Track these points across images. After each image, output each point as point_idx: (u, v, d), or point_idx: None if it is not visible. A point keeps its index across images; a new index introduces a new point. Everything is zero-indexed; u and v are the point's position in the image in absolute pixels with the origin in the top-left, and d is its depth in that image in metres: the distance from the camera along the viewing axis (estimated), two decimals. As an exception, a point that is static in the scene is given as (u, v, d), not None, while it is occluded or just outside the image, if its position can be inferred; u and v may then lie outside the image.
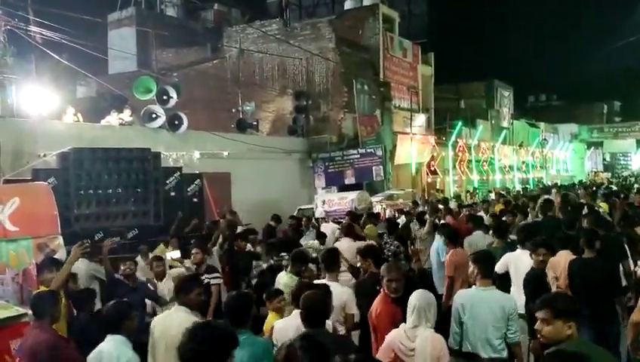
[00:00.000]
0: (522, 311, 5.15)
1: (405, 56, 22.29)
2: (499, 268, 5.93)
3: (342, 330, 4.42)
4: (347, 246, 6.97)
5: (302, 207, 13.76)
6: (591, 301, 5.08)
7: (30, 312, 4.50)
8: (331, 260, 4.98)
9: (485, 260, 4.73)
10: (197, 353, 2.46)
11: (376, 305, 4.28)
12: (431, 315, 3.77)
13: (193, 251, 6.73)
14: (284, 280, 5.44)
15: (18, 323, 4.94)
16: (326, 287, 4.19)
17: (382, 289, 4.33)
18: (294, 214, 12.60)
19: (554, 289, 5.46)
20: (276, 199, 14.13)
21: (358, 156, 16.66)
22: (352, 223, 8.56)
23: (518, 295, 5.41)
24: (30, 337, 4.16)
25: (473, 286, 4.69)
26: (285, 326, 4.02)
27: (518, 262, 5.90)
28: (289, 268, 5.68)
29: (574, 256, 5.69)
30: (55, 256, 5.96)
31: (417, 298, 3.81)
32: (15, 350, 4.58)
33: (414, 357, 3.61)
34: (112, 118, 12.83)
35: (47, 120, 10.87)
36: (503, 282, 5.66)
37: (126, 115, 13.08)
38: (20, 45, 11.43)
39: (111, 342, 3.62)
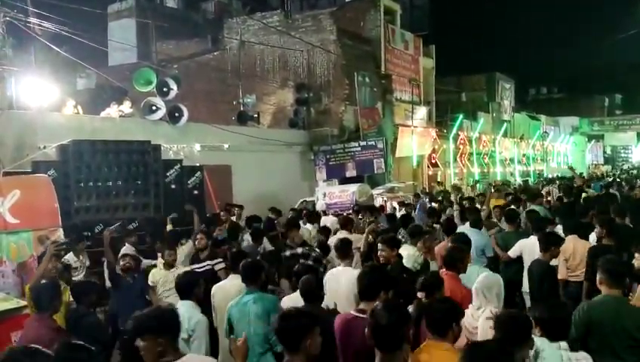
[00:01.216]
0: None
1: (407, 48, 22.19)
2: (513, 253, 6.63)
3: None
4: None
5: (306, 199, 13.73)
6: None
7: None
8: (345, 250, 5.25)
9: None
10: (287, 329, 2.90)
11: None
12: (492, 297, 3.87)
13: (198, 236, 6.81)
14: None
15: (19, 315, 4.94)
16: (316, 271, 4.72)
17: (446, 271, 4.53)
18: (295, 207, 12.58)
19: (564, 270, 6.09)
20: (277, 192, 14.11)
21: (359, 149, 16.63)
22: (350, 217, 8.55)
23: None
24: (30, 329, 4.15)
25: None
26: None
27: (533, 247, 6.19)
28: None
29: (581, 240, 6.23)
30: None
31: (479, 281, 4.01)
32: (16, 342, 4.57)
33: (477, 336, 3.73)
34: (112, 110, 12.78)
35: (47, 112, 10.83)
36: (515, 265, 6.37)
37: (126, 107, 13.02)
38: (19, 37, 11.37)
39: (183, 307, 3.98)
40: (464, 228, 7.30)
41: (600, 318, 3.65)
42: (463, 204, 10.70)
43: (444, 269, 4.63)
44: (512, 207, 9.69)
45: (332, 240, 6.86)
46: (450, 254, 4.70)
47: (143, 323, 2.90)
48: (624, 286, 3.91)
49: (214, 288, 4.93)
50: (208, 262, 6.40)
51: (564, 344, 3.12)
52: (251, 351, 3.64)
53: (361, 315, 3.35)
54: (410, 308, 3.71)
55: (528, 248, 6.39)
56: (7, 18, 9.19)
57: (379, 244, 5.35)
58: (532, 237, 6.49)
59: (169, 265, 6.35)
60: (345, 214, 10.30)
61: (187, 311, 4.05)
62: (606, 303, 3.75)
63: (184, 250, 7.03)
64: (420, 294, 3.92)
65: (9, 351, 2.80)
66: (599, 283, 3.87)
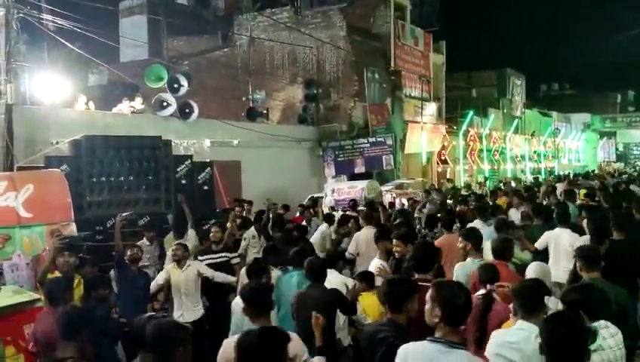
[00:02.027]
0: (561, 280, 5.71)
1: (417, 44, 22.10)
2: (539, 244, 6.82)
3: None
4: (367, 234, 7.10)
5: (314, 196, 13.78)
6: (617, 277, 5.01)
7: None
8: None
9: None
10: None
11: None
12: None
13: (213, 229, 6.92)
14: None
15: (32, 308, 5.02)
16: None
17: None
18: (304, 203, 12.63)
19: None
20: (286, 187, 14.17)
21: (368, 145, 16.64)
22: (372, 212, 8.64)
23: (555, 268, 5.94)
24: (43, 322, 4.22)
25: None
26: None
27: (558, 238, 6.62)
28: None
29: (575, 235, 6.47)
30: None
31: (532, 270, 4.40)
32: (28, 335, 4.66)
33: None
34: (124, 106, 12.89)
35: (59, 108, 10.95)
36: (541, 256, 6.45)
37: (137, 103, 13.13)
38: (32, 33, 11.47)
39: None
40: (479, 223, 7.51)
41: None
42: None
43: (494, 259, 4.89)
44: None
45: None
46: (499, 245, 5.03)
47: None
48: (600, 269, 4.39)
49: (279, 279, 5.28)
50: (226, 254, 6.47)
51: (602, 322, 3.18)
52: None
53: (426, 284, 3.46)
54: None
55: (554, 239, 6.71)
56: (21, 14, 9.28)
57: (393, 240, 5.38)
58: (557, 229, 6.81)
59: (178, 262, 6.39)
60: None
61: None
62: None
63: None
64: (483, 286, 4.09)
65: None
66: (579, 269, 4.46)
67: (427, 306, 2.91)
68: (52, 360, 3.53)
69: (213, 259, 6.62)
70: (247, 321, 3.77)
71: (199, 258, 6.68)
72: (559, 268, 6.17)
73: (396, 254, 5.31)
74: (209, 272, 6.31)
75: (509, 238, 5.42)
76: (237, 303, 4.41)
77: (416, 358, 2.79)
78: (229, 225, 7.48)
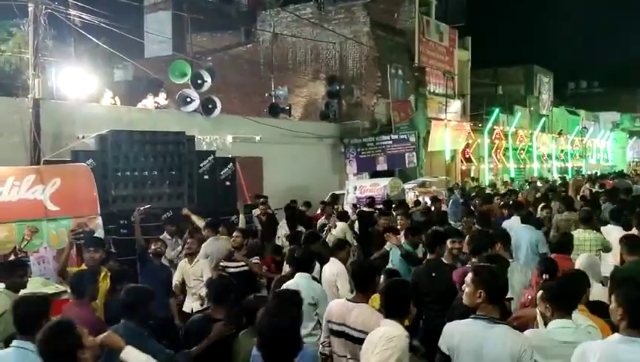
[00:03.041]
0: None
1: (441, 40, 21.83)
2: None
3: None
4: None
5: (335, 193, 13.71)
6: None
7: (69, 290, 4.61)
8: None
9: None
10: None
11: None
12: (595, 273, 4.56)
13: (234, 234, 6.84)
14: None
15: (58, 300, 5.08)
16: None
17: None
18: (325, 200, 12.57)
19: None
20: (307, 184, 14.13)
21: (391, 142, 16.49)
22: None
23: (613, 261, 6.37)
24: (70, 314, 4.25)
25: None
26: None
27: (611, 233, 6.95)
28: None
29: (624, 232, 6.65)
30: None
31: (582, 262, 4.74)
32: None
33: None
34: (148, 102, 13.00)
35: (85, 102, 11.08)
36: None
37: (161, 98, 13.23)
38: (59, 28, 11.64)
39: (300, 279, 4.71)
40: (512, 222, 7.61)
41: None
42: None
43: (554, 254, 5.41)
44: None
45: None
46: (560, 240, 5.69)
47: None
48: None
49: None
50: (243, 262, 6.46)
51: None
52: None
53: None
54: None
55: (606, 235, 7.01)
56: (49, 10, 9.39)
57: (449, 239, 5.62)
58: (609, 225, 7.21)
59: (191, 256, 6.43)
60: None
61: (307, 281, 4.74)
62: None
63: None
64: (544, 276, 4.37)
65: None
66: (622, 255, 5.25)
67: (468, 289, 3.15)
68: (208, 318, 4.03)
69: (235, 267, 6.56)
70: None
71: (221, 264, 6.64)
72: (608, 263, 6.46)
73: (454, 251, 5.58)
74: (205, 276, 6.19)
75: (569, 233, 6.08)
76: None
77: (464, 334, 3.07)
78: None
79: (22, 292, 4.53)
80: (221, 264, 6.63)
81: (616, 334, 2.78)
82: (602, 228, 7.12)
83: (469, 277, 3.20)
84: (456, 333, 3.10)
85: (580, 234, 6.66)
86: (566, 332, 3.17)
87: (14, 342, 3.33)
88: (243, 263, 6.50)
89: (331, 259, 5.53)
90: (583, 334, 3.18)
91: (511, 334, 3.02)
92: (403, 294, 3.48)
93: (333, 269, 5.39)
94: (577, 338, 3.07)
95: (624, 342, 2.69)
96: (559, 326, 3.21)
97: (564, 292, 3.35)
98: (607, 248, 6.75)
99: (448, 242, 5.51)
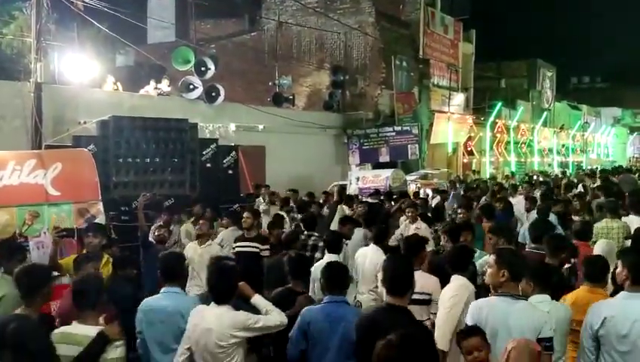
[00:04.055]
0: None
1: (446, 32, 21.68)
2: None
3: None
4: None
5: (338, 183, 13.64)
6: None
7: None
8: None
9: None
10: None
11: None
12: (613, 259, 4.54)
13: (245, 215, 6.73)
14: None
15: (58, 285, 5.03)
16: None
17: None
18: (327, 190, 12.51)
19: None
20: (310, 174, 14.06)
21: (394, 134, 16.43)
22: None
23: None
24: (68, 299, 4.18)
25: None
26: None
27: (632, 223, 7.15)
28: None
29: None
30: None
31: (600, 249, 5.07)
32: (55, 311, 4.66)
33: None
34: (151, 88, 12.90)
35: (87, 88, 10.98)
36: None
37: (164, 84, 13.13)
38: (62, 12, 11.50)
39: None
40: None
41: None
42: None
43: (575, 240, 5.69)
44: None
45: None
46: (582, 228, 6.00)
47: None
48: None
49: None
50: (257, 245, 6.37)
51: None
52: None
53: (541, 252, 5.03)
54: None
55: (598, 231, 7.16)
56: (52, -7, 9.29)
57: (488, 234, 5.80)
58: (631, 215, 7.39)
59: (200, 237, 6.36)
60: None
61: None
62: None
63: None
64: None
65: None
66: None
67: (491, 269, 3.48)
68: (289, 291, 4.30)
69: (243, 247, 6.49)
70: None
71: (233, 244, 6.58)
72: None
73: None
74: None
75: (589, 221, 6.64)
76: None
77: (490, 309, 3.39)
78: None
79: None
80: (234, 244, 6.60)
81: (622, 292, 3.50)
82: (624, 218, 7.34)
83: (492, 258, 3.55)
84: (483, 308, 3.43)
85: (607, 223, 6.95)
86: (544, 306, 3.65)
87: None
88: (253, 245, 6.43)
89: (373, 246, 5.75)
90: (554, 306, 3.73)
91: (532, 308, 3.41)
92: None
93: (374, 260, 5.42)
94: (550, 309, 3.62)
95: (628, 297, 3.42)
96: (539, 301, 3.69)
97: (546, 272, 3.90)
98: (629, 236, 6.96)
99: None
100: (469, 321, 3.46)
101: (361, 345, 3.16)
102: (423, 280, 4.36)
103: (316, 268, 4.87)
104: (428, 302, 4.48)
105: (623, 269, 3.49)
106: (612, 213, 7.19)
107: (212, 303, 3.48)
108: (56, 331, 3.31)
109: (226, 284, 3.47)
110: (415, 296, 3.81)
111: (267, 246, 6.45)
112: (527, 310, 3.36)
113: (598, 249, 5.12)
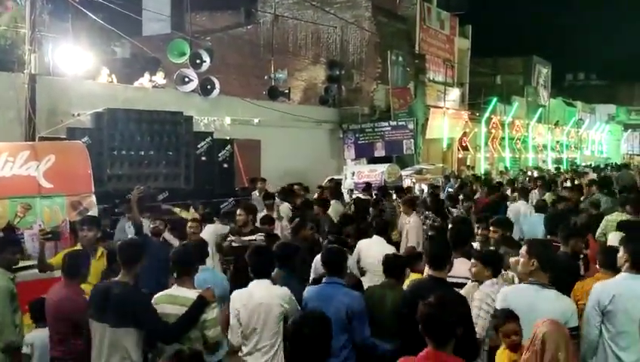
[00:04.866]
0: None
1: (442, 27, 21.66)
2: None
3: None
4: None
5: (333, 177, 13.63)
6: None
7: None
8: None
9: None
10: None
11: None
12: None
13: (237, 212, 6.74)
14: None
15: (48, 279, 5.01)
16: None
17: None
18: (322, 184, 12.49)
19: None
20: (305, 168, 14.05)
21: (389, 128, 16.42)
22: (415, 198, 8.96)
23: None
24: (57, 293, 4.15)
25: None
26: None
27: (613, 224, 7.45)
28: None
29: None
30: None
31: (614, 239, 5.37)
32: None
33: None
34: (145, 80, 12.81)
35: (81, 79, 10.90)
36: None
37: (159, 77, 13.04)
38: (56, 3, 11.39)
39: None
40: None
41: None
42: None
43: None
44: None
45: None
46: (587, 221, 6.53)
47: None
48: None
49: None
50: (250, 238, 6.37)
51: None
52: None
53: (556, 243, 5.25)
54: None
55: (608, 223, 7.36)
56: (46, -16, 9.20)
57: (491, 227, 5.83)
58: (615, 213, 7.55)
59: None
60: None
61: None
62: None
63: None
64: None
65: None
66: None
67: (523, 259, 3.72)
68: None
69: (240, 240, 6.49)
70: None
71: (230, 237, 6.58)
72: None
73: (492, 240, 5.71)
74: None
75: (595, 214, 7.10)
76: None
77: (518, 296, 3.63)
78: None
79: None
80: (229, 238, 6.62)
81: (621, 273, 3.86)
82: (607, 217, 7.54)
83: (523, 248, 3.79)
84: (510, 297, 3.67)
85: (618, 217, 7.19)
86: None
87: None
88: (249, 238, 6.42)
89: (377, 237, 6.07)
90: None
91: (560, 297, 3.65)
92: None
93: (378, 251, 5.65)
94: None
95: (628, 278, 3.79)
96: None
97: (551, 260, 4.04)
98: None
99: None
100: (498, 306, 3.70)
101: (407, 308, 3.56)
102: (464, 266, 4.58)
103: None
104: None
105: (624, 254, 3.91)
106: (622, 206, 7.54)
107: (252, 282, 3.95)
108: (160, 293, 3.83)
109: (263, 261, 4.04)
110: (453, 280, 4.27)
111: (262, 235, 6.44)
112: (555, 297, 3.60)
113: (613, 240, 5.44)
